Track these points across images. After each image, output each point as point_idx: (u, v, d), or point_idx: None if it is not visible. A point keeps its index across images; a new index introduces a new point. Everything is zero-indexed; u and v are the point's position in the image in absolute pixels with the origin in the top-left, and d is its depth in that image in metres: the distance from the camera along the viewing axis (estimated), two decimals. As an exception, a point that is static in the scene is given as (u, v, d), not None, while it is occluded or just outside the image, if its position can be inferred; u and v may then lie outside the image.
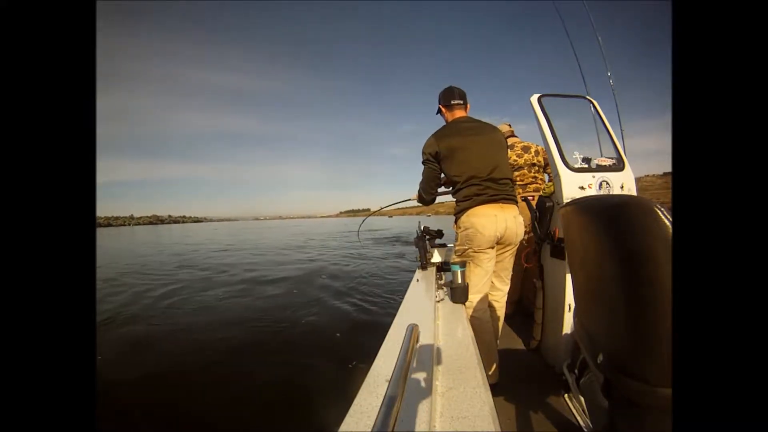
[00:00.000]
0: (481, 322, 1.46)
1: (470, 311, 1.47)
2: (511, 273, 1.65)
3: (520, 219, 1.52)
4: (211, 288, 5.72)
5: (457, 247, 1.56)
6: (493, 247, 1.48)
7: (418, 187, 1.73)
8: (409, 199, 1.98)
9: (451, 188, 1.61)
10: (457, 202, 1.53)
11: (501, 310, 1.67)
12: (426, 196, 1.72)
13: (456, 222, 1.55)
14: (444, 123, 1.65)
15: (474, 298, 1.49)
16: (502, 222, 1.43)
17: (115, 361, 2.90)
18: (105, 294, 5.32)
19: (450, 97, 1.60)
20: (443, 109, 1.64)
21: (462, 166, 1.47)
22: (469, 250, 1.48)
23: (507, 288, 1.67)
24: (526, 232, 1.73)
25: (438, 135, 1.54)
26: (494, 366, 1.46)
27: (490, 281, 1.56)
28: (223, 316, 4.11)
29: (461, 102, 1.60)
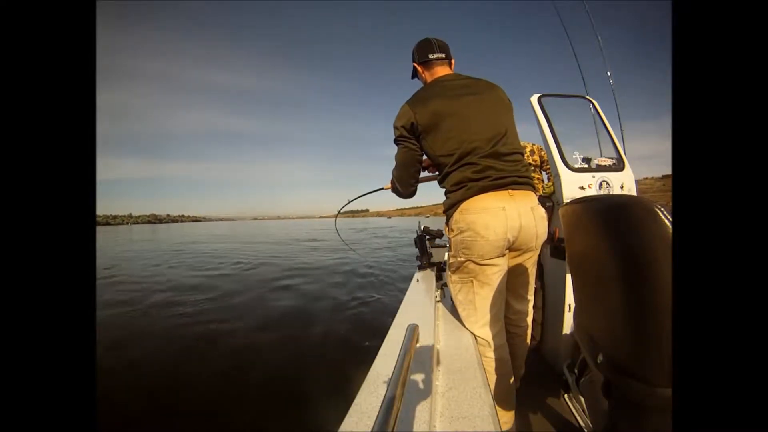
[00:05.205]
0: (499, 363, 1.06)
1: (483, 349, 1.05)
2: (533, 287, 1.19)
3: (541, 212, 1.08)
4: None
5: (450, 260, 1.12)
6: (503, 255, 1.04)
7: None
8: (382, 188, 1.51)
9: (438, 173, 1.15)
10: (446, 192, 1.11)
11: (525, 338, 1.22)
12: (402, 188, 1.24)
13: (447, 223, 1.12)
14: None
15: (484, 332, 1.05)
16: (513, 218, 0.99)
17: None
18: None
19: (427, 49, 1.16)
20: (420, 69, 1.20)
21: (451, 141, 1.04)
22: (468, 263, 1.04)
23: (530, 305, 1.21)
24: None
25: (414, 100, 1.10)
26: (511, 413, 1.08)
27: (504, 302, 1.12)
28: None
29: (443, 56, 1.16)
